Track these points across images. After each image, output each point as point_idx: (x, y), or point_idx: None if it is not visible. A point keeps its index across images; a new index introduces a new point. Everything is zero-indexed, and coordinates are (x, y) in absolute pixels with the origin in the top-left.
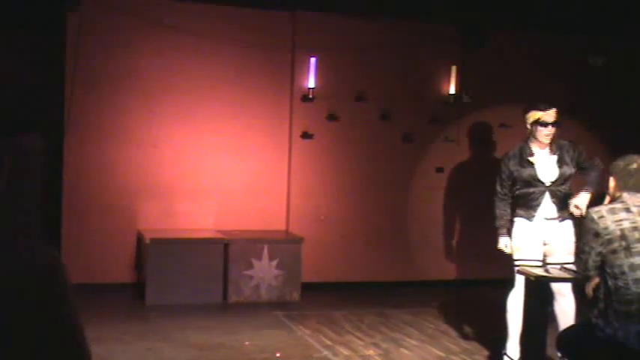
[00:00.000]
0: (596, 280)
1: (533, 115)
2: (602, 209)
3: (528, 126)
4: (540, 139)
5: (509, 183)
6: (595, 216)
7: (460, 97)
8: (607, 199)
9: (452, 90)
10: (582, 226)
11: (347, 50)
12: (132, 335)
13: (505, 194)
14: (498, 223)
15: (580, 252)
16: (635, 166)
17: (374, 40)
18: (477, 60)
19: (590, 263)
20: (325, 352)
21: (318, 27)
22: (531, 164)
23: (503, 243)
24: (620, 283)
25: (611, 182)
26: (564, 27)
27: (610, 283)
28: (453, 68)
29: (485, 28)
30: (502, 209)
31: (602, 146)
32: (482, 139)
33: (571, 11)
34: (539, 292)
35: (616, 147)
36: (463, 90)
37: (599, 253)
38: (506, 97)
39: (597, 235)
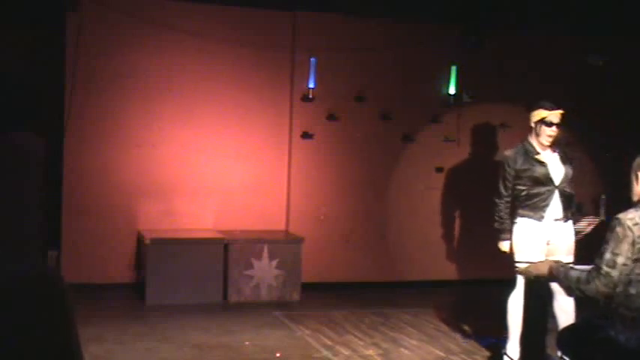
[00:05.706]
0: None
1: (539, 114)
2: (636, 216)
3: (532, 124)
4: (542, 138)
5: (513, 184)
6: (629, 223)
7: (460, 97)
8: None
9: (452, 90)
10: (611, 234)
11: (347, 50)
12: (131, 335)
13: (508, 196)
14: (501, 226)
15: (606, 264)
16: None
17: (374, 40)
18: (477, 60)
19: (616, 277)
20: (325, 352)
21: (318, 27)
22: (543, 164)
23: (506, 247)
24: (632, 291)
25: (634, 181)
26: (564, 27)
27: (621, 288)
28: (453, 68)
29: (485, 28)
30: (505, 212)
31: (602, 146)
32: (482, 139)
33: (571, 11)
34: (539, 291)
35: (616, 147)
36: (463, 90)
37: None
38: (506, 97)
39: (633, 244)
